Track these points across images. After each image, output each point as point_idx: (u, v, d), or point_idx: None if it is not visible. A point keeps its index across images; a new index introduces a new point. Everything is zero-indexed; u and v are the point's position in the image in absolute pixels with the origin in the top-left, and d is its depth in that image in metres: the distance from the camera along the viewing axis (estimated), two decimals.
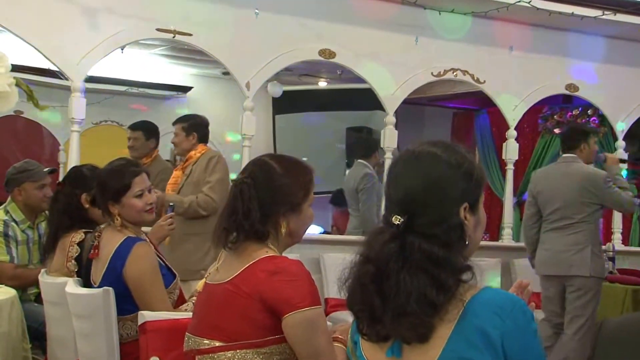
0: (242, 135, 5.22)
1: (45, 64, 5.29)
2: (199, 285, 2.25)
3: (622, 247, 6.22)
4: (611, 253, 5.35)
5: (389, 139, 5.56)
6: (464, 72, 5.74)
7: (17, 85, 3.33)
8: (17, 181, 4.17)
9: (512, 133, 5.97)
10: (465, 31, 5.68)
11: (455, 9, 5.55)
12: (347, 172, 7.11)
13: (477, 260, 1.55)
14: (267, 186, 2.07)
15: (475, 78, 5.77)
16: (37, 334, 3.69)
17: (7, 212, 4.14)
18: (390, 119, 5.57)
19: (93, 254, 2.87)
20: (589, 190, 4.71)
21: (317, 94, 9.02)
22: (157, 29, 4.89)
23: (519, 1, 5.25)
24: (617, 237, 6.21)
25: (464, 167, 1.59)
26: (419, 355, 1.50)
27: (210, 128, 4.94)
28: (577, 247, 4.67)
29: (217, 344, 1.99)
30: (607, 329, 1.72)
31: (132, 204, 2.89)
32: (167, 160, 6.56)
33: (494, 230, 7.47)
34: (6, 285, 3.66)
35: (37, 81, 6.42)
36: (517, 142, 6.00)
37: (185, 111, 6.72)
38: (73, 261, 3.20)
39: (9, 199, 4.20)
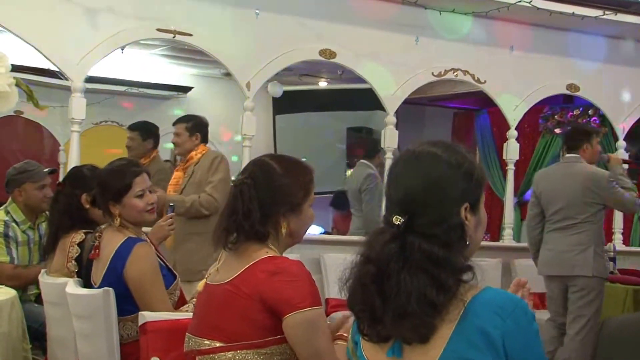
0: (242, 136, 5.22)
1: (45, 64, 5.29)
2: (199, 285, 2.25)
3: (623, 247, 6.22)
4: (612, 253, 5.34)
5: (390, 139, 5.56)
6: (465, 72, 5.73)
7: (17, 85, 3.33)
8: (18, 182, 4.16)
9: (512, 133, 5.96)
10: (465, 31, 5.68)
11: (455, 9, 5.55)
12: (350, 172, 7.10)
13: (477, 261, 1.55)
14: (268, 186, 2.06)
15: (476, 78, 5.77)
16: (37, 335, 3.69)
17: (7, 212, 4.14)
18: (391, 119, 5.57)
19: (94, 254, 2.86)
20: (591, 191, 4.70)
21: (318, 94, 9.02)
22: (158, 29, 4.89)
23: (520, 1, 5.24)
24: (617, 237, 6.21)
25: (465, 167, 1.58)
26: (419, 355, 1.50)
27: (210, 128, 4.94)
28: (580, 247, 4.66)
29: (218, 344, 1.99)
30: (608, 329, 1.72)
31: (133, 204, 2.88)
32: (167, 161, 6.55)
33: (494, 230, 7.46)
34: (6, 285, 3.66)
35: (37, 81, 6.43)
36: (518, 142, 6.00)
37: (185, 111, 6.73)
38: (73, 262, 3.19)
39: (9, 199, 4.20)
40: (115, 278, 2.76)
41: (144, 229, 3.10)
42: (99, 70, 5.15)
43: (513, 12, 5.40)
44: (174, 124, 4.87)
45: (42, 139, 8.35)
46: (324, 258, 5.31)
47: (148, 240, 2.98)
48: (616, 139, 6.42)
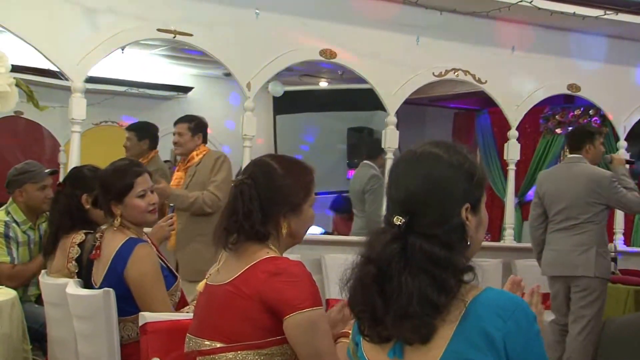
0: (242, 136, 5.21)
1: (45, 64, 5.29)
2: (200, 286, 2.25)
3: (625, 248, 6.22)
4: (613, 254, 5.34)
5: (390, 139, 5.55)
6: (465, 72, 5.73)
7: (17, 85, 3.33)
8: (19, 182, 4.16)
9: (513, 133, 5.96)
10: (466, 31, 5.67)
11: (456, 9, 5.55)
12: (353, 173, 7.07)
13: (478, 261, 1.55)
14: (268, 187, 2.06)
15: (477, 78, 5.77)
16: (37, 335, 3.69)
17: (8, 213, 4.14)
18: (392, 119, 5.56)
19: (94, 255, 2.86)
20: (594, 191, 4.70)
21: (318, 94, 9.02)
22: (158, 29, 4.88)
23: (521, 1, 5.23)
24: (619, 237, 6.20)
25: (466, 167, 1.58)
26: (420, 356, 1.49)
27: (209, 128, 4.95)
28: (583, 247, 4.66)
29: (218, 345, 1.99)
30: (610, 329, 1.72)
31: (134, 204, 2.88)
32: (167, 161, 6.55)
33: (495, 230, 7.46)
34: (6, 285, 3.66)
35: (37, 81, 6.43)
36: (519, 142, 5.99)
37: (185, 111, 6.72)
38: (74, 262, 3.18)
39: (10, 200, 4.20)
40: (115, 278, 2.76)
41: (144, 229, 3.10)
42: (99, 70, 5.14)
43: (514, 12, 5.39)
44: (176, 123, 4.85)
45: (42, 139, 8.35)
46: (324, 258, 5.30)
47: (149, 241, 2.98)
48: (617, 139, 6.42)
